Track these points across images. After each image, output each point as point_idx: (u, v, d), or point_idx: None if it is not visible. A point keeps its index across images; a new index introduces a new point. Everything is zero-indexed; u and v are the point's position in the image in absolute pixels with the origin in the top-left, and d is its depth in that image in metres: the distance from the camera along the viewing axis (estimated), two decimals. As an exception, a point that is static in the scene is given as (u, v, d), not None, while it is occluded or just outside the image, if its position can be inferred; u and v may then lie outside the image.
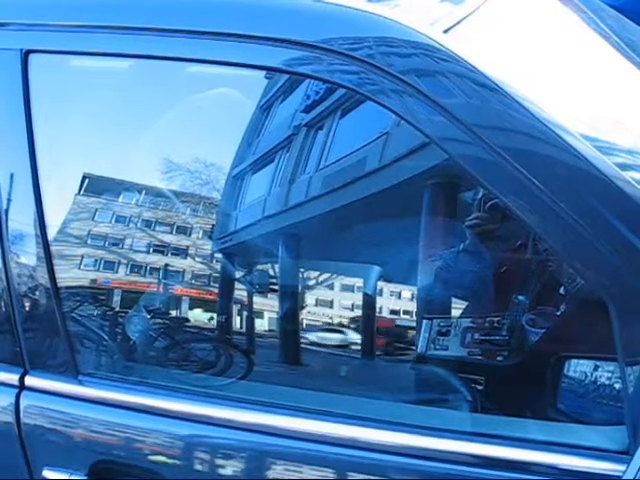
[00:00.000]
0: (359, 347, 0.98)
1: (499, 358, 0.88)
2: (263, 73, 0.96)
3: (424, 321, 0.93)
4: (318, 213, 0.98)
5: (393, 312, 0.97)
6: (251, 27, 0.88)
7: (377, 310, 0.98)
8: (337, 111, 0.95)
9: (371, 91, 0.82)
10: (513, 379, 0.87)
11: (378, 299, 0.98)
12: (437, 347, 0.92)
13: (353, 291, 1.01)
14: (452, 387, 0.89)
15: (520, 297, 0.88)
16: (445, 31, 0.86)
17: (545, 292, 0.88)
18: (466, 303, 0.96)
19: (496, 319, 0.89)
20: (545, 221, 0.75)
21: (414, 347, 0.94)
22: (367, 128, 0.94)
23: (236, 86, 1.01)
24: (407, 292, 0.98)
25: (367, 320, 0.99)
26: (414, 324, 0.95)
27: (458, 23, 0.90)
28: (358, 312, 1.01)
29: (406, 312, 0.97)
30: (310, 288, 1.02)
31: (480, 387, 0.89)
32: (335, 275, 1.02)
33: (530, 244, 0.86)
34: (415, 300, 0.97)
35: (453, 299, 0.95)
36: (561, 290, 0.86)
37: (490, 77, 0.78)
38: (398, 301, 0.98)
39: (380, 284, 0.97)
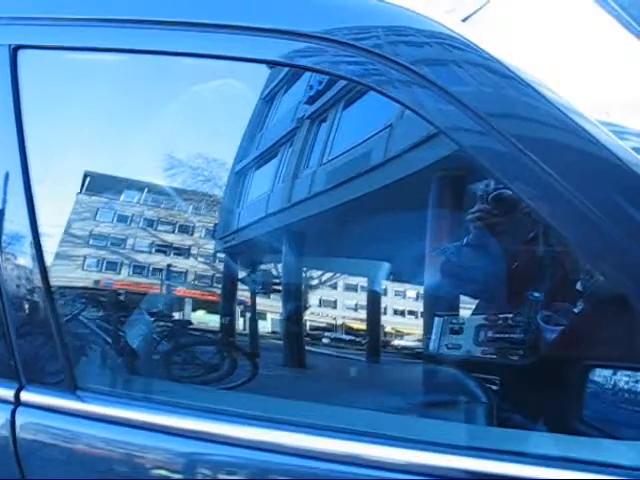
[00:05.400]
0: (366, 348, 0.95)
1: (514, 357, 0.85)
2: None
3: (435, 319, 0.90)
4: (327, 209, 0.96)
5: (398, 311, 0.94)
6: (251, 19, 0.86)
7: (383, 309, 0.95)
8: (342, 103, 0.93)
9: (377, 82, 0.80)
10: (530, 382, 0.83)
11: (384, 297, 0.95)
12: (449, 346, 0.88)
13: (359, 290, 0.99)
14: (467, 389, 0.86)
15: (532, 293, 0.85)
16: (463, 20, 0.85)
17: (559, 288, 0.84)
18: (472, 300, 0.92)
19: (508, 316, 0.85)
20: (561, 213, 0.72)
21: (424, 347, 0.91)
22: (371, 120, 0.92)
23: (238, 78, 0.98)
24: (410, 289, 0.96)
25: (374, 319, 0.96)
26: (421, 322, 0.92)
27: (475, 12, 0.88)
28: (363, 311, 0.97)
29: (410, 311, 0.94)
30: (321, 286, 0.99)
31: (496, 388, 0.85)
32: (341, 273, 0.99)
33: (540, 237, 0.84)
34: (420, 297, 0.94)
35: (461, 296, 0.92)
36: (577, 286, 0.82)
37: (503, 63, 0.76)
38: (402, 299, 0.95)
39: (385, 282, 0.95)
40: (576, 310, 0.82)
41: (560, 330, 0.82)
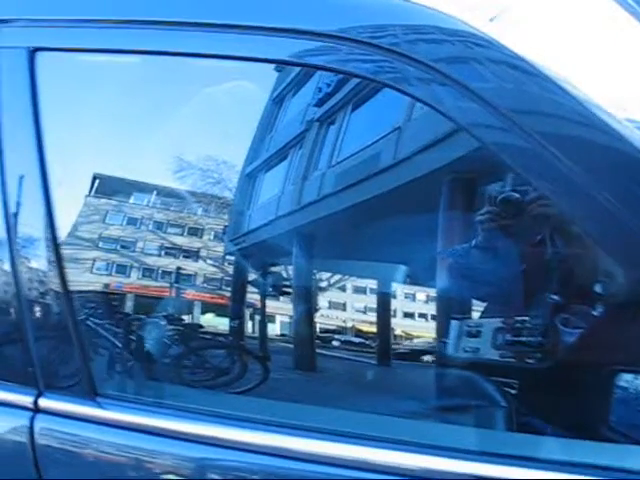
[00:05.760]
0: (381, 352, 0.93)
1: (532, 360, 0.83)
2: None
3: (452, 322, 0.88)
4: (337, 211, 0.95)
5: (409, 314, 0.93)
6: (264, 18, 0.85)
7: (397, 312, 0.94)
8: (358, 103, 0.92)
9: (396, 80, 0.79)
10: (550, 385, 0.81)
11: (396, 300, 0.94)
12: (467, 350, 0.87)
13: (373, 293, 0.98)
14: (485, 393, 0.84)
15: (550, 296, 0.83)
16: (491, 19, 0.81)
17: (572, 290, 0.83)
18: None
19: (525, 319, 0.83)
20: (585, 209, 0.71)
21: (441, 350, 0.89)
22: (384, 122, 0.91)
23: (252, 79, 0.98)
24: (420, 292, 0.95)
25: (388, 323, 0.94)
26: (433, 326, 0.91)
27: (502, 11, 0.86)
28: (377, 315, 0.96)
29: (422, 314, 0.93)
30: (341, 289, 0.98)
31: (514, 392, 0.84)
32: (355, 276, 0.99)
33: (549, 239, 0.83)
34: (431, 300, 0.93)
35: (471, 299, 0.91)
36: (596, 288, 0.81)
37: (526, 60, 0.75)
38: (412, 302, 0.94)
39: (398, 284, 0.95)
40: (595, 313, 0.81)
41: (580, 333, 0.80)
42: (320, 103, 0.93)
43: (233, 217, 1.02)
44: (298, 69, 0.91)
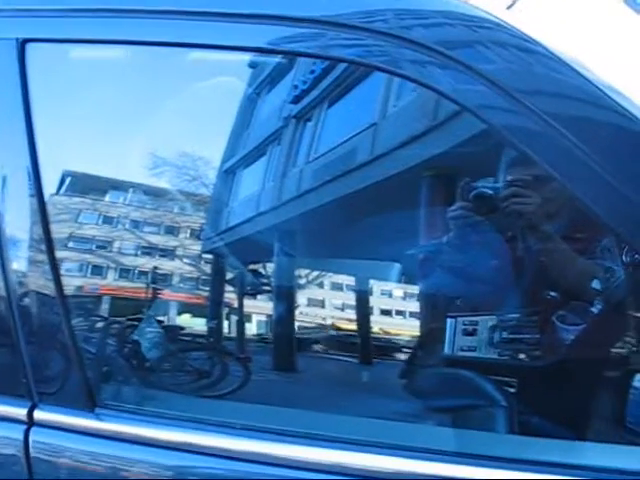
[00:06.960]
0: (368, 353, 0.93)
1: (528, 358, 0.84)
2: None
3: (449, 320, 0.88)
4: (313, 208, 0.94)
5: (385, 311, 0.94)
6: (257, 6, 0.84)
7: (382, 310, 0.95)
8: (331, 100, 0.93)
9: (387, 62, 0.78)
10: (548, 384, 0.80)
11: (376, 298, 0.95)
12: (464, 348, 0.87)
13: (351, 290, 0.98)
14: (483, 392, 0.82)
15: (549, 292, 0.84)
16: (508, 7, 0.82)
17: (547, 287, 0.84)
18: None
19: (517, 316, 0.84)
20: (596, 192, 0.70)
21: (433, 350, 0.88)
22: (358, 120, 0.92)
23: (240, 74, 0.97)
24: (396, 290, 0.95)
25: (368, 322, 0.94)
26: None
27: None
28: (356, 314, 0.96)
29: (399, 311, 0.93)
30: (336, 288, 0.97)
31: (513, 392, 0.83)
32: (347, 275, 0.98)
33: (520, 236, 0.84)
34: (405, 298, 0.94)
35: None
36: (594, 284, 0.81)
37: (535, 40, 0.74)
38: (389, 299, 0.94)
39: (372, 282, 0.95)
40: (595, 309, 0.80)
41: (580, 330, 0.80)
42: (296, 100, 0.92)
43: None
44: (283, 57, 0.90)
